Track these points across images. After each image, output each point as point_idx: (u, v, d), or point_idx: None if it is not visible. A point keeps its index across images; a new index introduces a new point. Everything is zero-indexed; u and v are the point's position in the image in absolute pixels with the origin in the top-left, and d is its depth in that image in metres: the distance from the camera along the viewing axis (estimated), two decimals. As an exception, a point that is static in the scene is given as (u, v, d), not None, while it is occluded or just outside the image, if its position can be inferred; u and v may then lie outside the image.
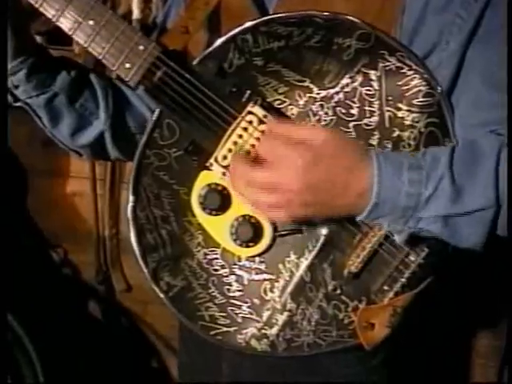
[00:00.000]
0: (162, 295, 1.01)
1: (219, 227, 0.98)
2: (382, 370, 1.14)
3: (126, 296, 2.16)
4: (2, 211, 1.07)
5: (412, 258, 0.96)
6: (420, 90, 0.94)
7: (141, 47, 0.96)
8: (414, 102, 0.94)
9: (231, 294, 1.00)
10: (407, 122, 0.94)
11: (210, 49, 0.97)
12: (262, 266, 0.99)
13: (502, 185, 0.88)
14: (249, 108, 0.95)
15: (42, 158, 2.03)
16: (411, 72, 0.93)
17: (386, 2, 0.97)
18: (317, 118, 0.96)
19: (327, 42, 0.94)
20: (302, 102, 0.96)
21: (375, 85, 0.94)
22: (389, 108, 0.94)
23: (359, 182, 0.88)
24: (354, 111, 0.95)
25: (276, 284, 0.99)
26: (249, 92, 0.96)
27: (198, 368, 1.25)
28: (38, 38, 1.76)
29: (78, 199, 2.11)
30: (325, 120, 0.95)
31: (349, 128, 0.95)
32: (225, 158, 0.95)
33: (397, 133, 0.94)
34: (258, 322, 0.99)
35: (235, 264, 0.99)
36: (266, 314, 0.99)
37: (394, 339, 0.98)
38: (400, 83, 0.94)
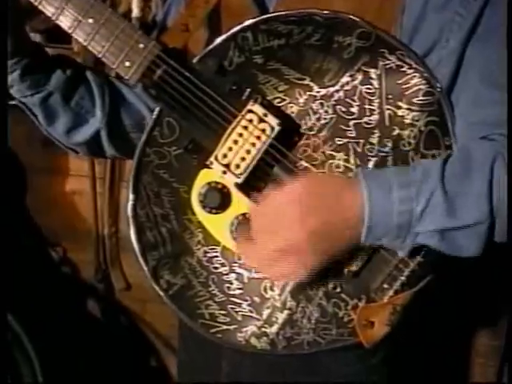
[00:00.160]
0: (161, 293, 1.01)
1: (219, 225, 0.98)
2: (382, 368, 1.14)
3: (125, 295, 2.16)
4: (2, 210, 1.06)
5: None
6: (420, 89, 0.93)
7: (141, 45, 0.96)
8: (414, 100, 0.94)
9: (231, 292, 1.00)
10: (407, 121, 0.94)
11: (210, 47, 0.97)
12: (262, 265, 0.99)
13: (496, 196, 0.87)
14: (249, 106, 0.95)
15: (42, 156, 2.03)
16: (411, 70, 0.93)
17: (385, 1, 0.97)
18: (317, 116, 0.96)
19: (327, 40, 0.94)
20: (301, 100, 0.96)
21: (375, 83, 0.94)
22: (389, 106, 0.94)
23: (351, 207, 0.88)
24: (354, 109, 0.95)
25: (276, 282, 0.98)
26: (249, 90, 0.96)
27: (198, 366, 1.25)
28: (37, 37, 1.77)
29: (77, 197, 2.11)
30: (325, 118, 0.95)
31: (349, 126, 0.95)
32: (225, 156, 0.95)
33: (397, 131, 0.94)
34: (257, 320, 0.99)
35: (235, 262, 0.99)
36: (265, 312, 0.99)
37: (394, 337, 0.98)
38: (400, 82, 0.94)
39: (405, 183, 0.88)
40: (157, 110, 0.99)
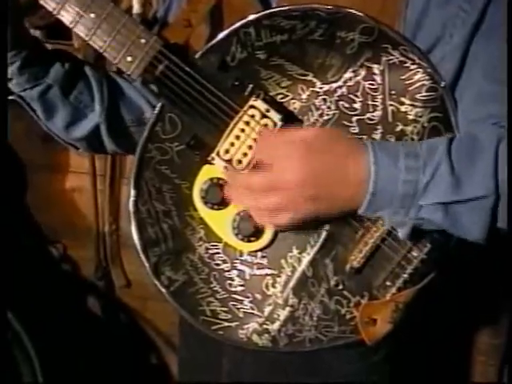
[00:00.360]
0: (163, 290, 1.00)
1: (221, 222, 0.98)
2: (384, 366, 1.14)
3: (125, 292, 2.15)
4: (1, 207, 1.06)
5: (414, 253, 0.95)
6: (423, 85, 0.93)
7: (142, 40, 0.95)
8: (418, 96, 0.93)
9: (233, 289, 0.99)
10: (410, 117, 0.94)
11: (213, 42, 0.97)
12: (264, 261, 0.98)
13: (500, 176, 0.87)
14: (251, 102, 0.94)
15: (42, 153, 2.03)
16: (414, 66, 0.93)
17: (388, -4, 0.96)
18: (319, 112, 0.95)
19: (330, 35, 0.93)
20: (304, 96, 0.95)
21: (378, 79, 0.94)
22: (392, 102, 0.94)
23: (356, 170, 0.88)
24: (357, 105, 0.94)
25: (278, 279, 0.98)
26: (251, 86, 0.95)
27: (199, 363, 1.25)
28: (37, 33, 1.76)
29: (77, 195, 2.10)
30: (327, 114, 0.95)
31: (352, 122, 0.94)
32: (227, 152, 0.95)
33: (400, 127, 0.94)
34: (259, 317, 0.99)
35: (237, 259, 0.99)
36: (267, 309, 0.99)
37: (396, 335, 0.98)
38: (403, 77, 0.93)
39: (412, 154, 0.89)
40: (159, 105, 0.99)
